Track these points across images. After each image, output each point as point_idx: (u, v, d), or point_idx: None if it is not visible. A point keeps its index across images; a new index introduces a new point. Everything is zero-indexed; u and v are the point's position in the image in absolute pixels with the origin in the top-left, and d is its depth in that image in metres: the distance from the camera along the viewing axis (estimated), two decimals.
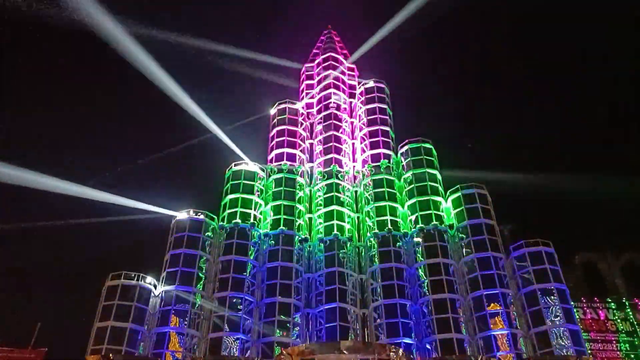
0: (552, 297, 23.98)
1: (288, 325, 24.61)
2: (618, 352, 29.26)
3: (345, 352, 20.20)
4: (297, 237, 27.63)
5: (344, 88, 37.11)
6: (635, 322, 30.31)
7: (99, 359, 20.45)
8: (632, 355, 29.11)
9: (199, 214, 27.41)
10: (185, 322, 23.60)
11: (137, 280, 23.92)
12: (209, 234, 26.98)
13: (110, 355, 20.76)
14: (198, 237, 26.29)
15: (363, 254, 27.96)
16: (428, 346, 23.67)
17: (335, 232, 27.65)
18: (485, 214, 27.35)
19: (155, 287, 24.52)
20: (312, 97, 37.32)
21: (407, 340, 23.67)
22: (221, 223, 27.79)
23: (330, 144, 32.36)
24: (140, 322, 23.13)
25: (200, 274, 25.34)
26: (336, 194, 29.44)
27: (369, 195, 29.79)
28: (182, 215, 27.12)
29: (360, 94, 36.02)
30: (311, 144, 34.00)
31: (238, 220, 27.37)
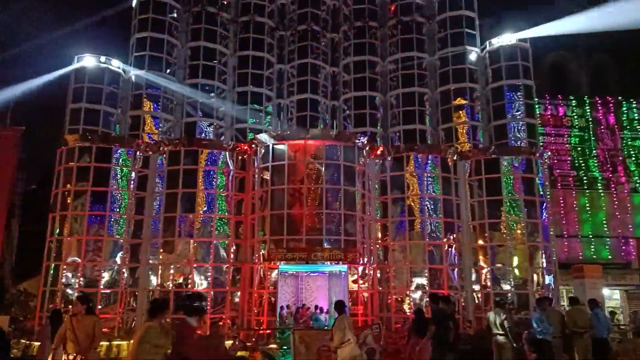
0: (518, 94, 24.55)
1: (261, 113, 25.42)
2: (567, 145, 31.85)
3: (313, 138, 21.22)
4: (268, 26, 26.43)
5: None
6: (590, 119, 32.24)
7: (77, 138, 21.28)
8: (579, 148, 31.86)
9: None
10: (159, 107, 24.14)
11: (105, 63, 23.45)
12: (174, 15, 25.52)
13: (88, 134, 21.61)
14: (164, 20, 24.95)
15: (338, 45, 27.29)
16: (392, 135, 25.20)
17: (308, 20, 26.41)
18: (468, 6, 26.01)
19: (124, 71, 24.18)
20: None
21: (373, 130, 25.05)
22: (187, 6, 26.07)
23: None
24: (114, 104, 23.56)
25: (170, 60, 24.89)
26: None
27: None
28: None
29: None
30: None
31: (205, 2, 25.62)
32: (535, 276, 21.30)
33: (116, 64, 23.80)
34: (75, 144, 21.11)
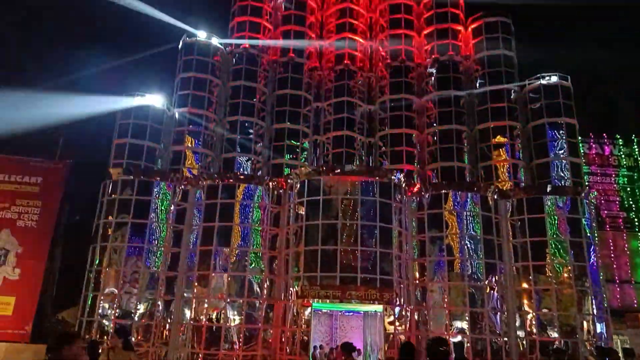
0: (560, 132, 23.93)
1: (297, 150, 25.70)
2: (615, 185, 30.36)
3: (349, 174, 21.12)
4: (306, 65, 27.15)
5: None
6: (639, 158, 30.74)
7: (120, 172, 22.00)
8: (628, 189, 30.29)
9: (210, 36, 26.73)
10: (200, 143, 24.83)
11: (149, 101, 24.50)
12: (218, 58, 26.66)
13: (131, 168, 22.32)
14: (207, 61, 26.07)
15: (374, 84, 27.62)
16: (429, 173, 24.81)
17: (346, 61, 26.95)
18: (506, 45, 25.96)
19: (168, 109, 25.17)
20: None
21: (410, 167, 24.76)
22: (229, 47, 27.22)
23: None
24: (157, 140, 24.41)
25: (212, 98, 25.81)
26: (349, 20, 27.88)
27: (384, 21, 28.15)
28: (190, 38, 26.48)
29: None
30: None
31: (247, 44, 26.68)
32: (585, 323, 19.91)
33: (160, 102, 24.80)
34: (118, 177, 21.82)
